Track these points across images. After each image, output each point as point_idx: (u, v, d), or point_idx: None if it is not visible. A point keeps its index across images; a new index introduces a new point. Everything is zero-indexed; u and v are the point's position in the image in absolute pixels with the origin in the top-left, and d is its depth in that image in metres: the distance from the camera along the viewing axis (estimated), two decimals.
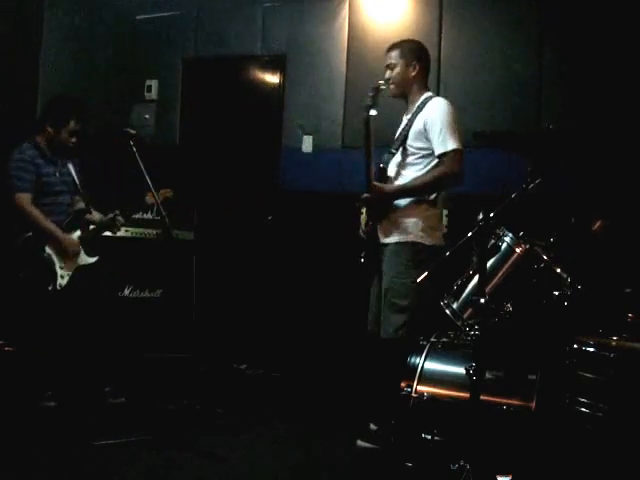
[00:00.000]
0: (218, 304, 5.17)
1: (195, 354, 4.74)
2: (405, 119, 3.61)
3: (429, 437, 2.74)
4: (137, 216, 4.82)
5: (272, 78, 5.57)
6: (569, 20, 4.45)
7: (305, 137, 5.30)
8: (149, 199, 3.96)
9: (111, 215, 4.05)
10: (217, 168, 5.54)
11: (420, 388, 2.85)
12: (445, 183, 3.48)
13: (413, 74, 3.58)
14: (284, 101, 5.44)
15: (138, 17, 5.88)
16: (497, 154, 4.29)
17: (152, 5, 5.81)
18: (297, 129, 5.34)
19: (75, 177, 4.12)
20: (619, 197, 3.82)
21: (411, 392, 2.84)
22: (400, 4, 4.98)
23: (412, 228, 3.44)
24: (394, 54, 3.59)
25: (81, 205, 4.13)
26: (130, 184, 4.02)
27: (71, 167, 4.11)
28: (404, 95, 3.62)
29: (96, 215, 4.14)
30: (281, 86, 5.49)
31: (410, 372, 2.90)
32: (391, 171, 3.53)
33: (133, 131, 3.89)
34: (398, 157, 3.53)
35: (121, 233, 4.60)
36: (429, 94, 3.59)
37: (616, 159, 4.02)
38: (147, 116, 5.84)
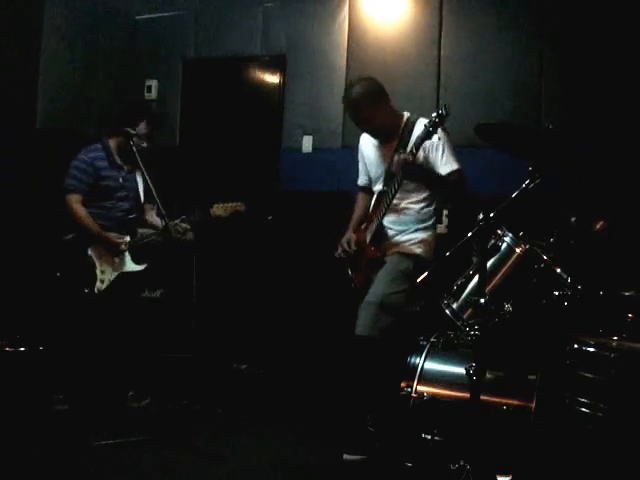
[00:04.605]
0: (218, 304, 5.16)
1: (195, 354, 4.73)
2: (388, 145, 3.57)
3: (429, 437, 2.74)
4: None
5: (272, 78, 5.57)
6: (569, 20, 4.44)
7: (305, 137, 5.30)
8: (216, 211, 3.98)
9: (172, 223, 3.87)
10: (217, 168, 5.53)
11: (420, 388, 2.85)
12: (457, 193, 3.52)
13: (388, 110, 3.55)
14: (284, 101, 5.43)
15: (138, 17, 5.88)
16: (497, 154, 4.28)
17: (152, 5, 5.81)
18: (297, 129, 5.34)
19: (140, 187, 4.09)
20: (619, 197, 3.82)
21: (411, 392, 2.85)
22: (400, 4, 4.98)
23: (418, 245, 3.54)
24: (362, 106, 3.48)
25: (152, 213, 4.13)
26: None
27: (139, 177, 4.09)
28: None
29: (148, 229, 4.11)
30: (281, 86, 5.48)
31: (410, 372, 2.90)
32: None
33: (133, 131, 3.89)
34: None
35: None
36: (407, 114, 3.59)
37: (616, 159, 4.02)
38: None
